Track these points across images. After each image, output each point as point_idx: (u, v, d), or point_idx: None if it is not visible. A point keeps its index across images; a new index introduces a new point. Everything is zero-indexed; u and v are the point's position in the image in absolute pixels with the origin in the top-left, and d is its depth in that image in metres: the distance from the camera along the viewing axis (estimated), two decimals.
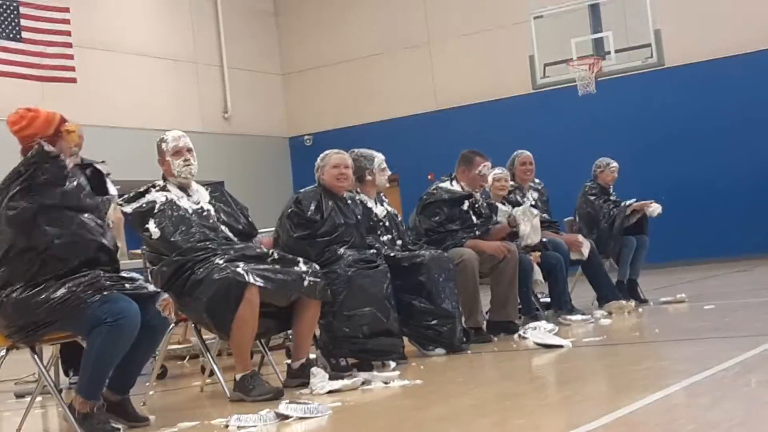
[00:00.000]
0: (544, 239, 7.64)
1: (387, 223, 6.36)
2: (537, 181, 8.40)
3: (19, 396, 5.96)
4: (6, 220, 4.13)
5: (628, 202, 8.67)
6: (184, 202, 5.17)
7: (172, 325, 4.80)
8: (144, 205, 5.11)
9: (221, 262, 4.88)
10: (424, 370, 5.46)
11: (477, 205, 7.05)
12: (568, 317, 7.33)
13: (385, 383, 4.94)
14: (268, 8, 18.62)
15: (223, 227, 5.21)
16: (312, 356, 5.36)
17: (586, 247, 7.93)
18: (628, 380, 4.58)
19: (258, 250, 5.11)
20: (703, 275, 11.95)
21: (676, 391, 4.03)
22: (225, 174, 15.59)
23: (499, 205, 7.55)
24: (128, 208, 5.11)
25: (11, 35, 13.35)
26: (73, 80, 13.77)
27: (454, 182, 7.06)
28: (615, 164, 8.89)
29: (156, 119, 14.97)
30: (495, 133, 14.98)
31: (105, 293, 4.06)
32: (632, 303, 8.05)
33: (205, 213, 5.20)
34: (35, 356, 4.28)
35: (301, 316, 5.16)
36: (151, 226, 5.04)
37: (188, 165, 5.21)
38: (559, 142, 15.29)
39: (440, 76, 17.13)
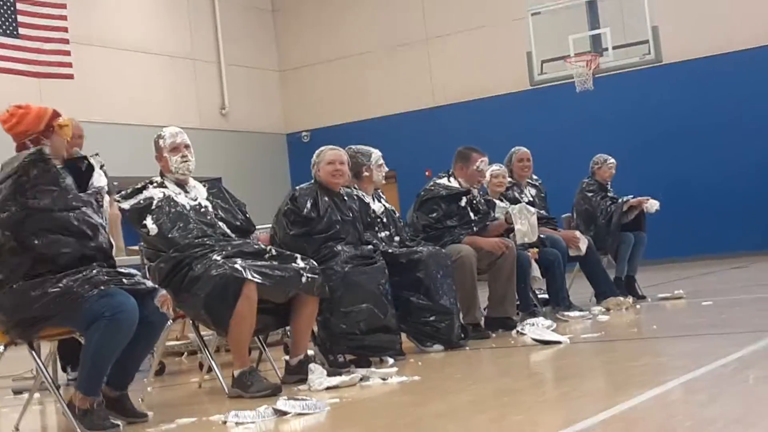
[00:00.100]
0: (542, 236, 7.64)
1: (384, 220, 6.37)
2: (535, 177, 8.41)
3: (17, 392, 5.96)
4: None
5: (625, 198, 8.68)
6: (182, 199, 5.17)
7: (170, 321, 4.79)
8: (141, 202, 5.10)
9: (219, 258, 4.88)
10: (422, 367, 5.46)
11: (475, 202, 7.05)
12: (566, 313, 7.33)
13: (383, 379, 4.94)
14: (266, 5, 18.60)
15: (220, 223, 5.21)
16: (310, 352, 5.36)
17: (583, 243, 7.93)
18: (626, 376, 4.58)
19: (256, 247, 5.11)
20: (700, 272, 11.96)
21: (674, 387, 4.04)
22: (222, 170, 15.59)
23: (497, 202, 7.56)
24: (126, 205, 5.11)
25: (8, 31, 13.33)
26: (70, 76, 13.75)
27: (451, 179, 7.06)
28: (612, 161, 8.89)
29: (153, 116, 14.95)
30: (492, 129, 14.98)
31: (102, 288, 4.06)
32: (630, 299, 8.05)
33: (202, 209, 5.20)
34: (33, 352, 4.27)
35: (299, 312, 5.16)
36: (149, 222, 5.04)
37: (186, 161, 5.21)
38: (556, 139, 15.29)
39: (438, 73, 17.12)
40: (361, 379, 4.96)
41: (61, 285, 4.07)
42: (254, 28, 18.23)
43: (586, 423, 3.41)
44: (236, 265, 4.81)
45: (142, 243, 5.26)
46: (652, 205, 8.63)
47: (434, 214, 6.88)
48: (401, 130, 16.87)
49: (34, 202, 4.10)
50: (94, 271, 4.12)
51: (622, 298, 7.89)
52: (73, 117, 6.07)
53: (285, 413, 4.17)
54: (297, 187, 5.92)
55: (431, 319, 6.02)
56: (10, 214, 4.10)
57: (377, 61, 17.63)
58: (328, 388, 4.81)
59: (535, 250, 7.40)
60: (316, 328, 5.56)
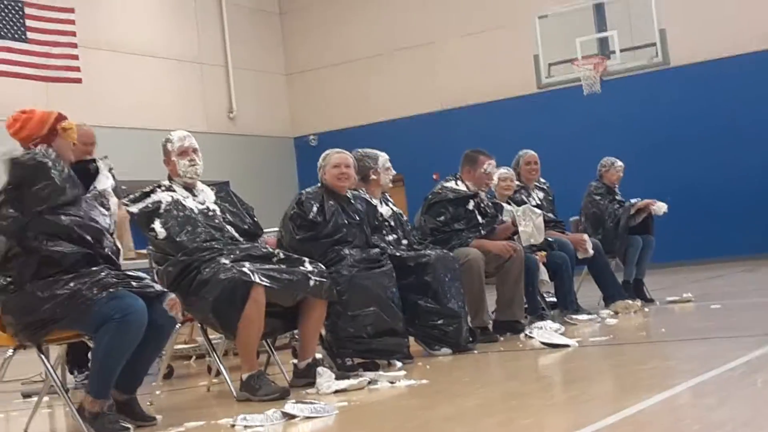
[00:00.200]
0: (550, 239, 7.64)
1: (392, 223, 6.37)
2: (542, 180, 8.40)
3: (26, 396, 5.97)
4: None
5: (632, 201, 8.67)
6: (190, 202, 5.18)
7: (179, 324, 4.80)
8: (150, 205, 5.11)
9: (227, 262, 4.88)
10: (430, 370, 5.46)
11: (482, 205, 7.05)
12: (574, 317, 7.33)
13: (392, 383, 4.94)
14: (273, 8, 18.64)
15: (228, 227, 5.22)
16: (318, 356, 5.36)
17: (589, 245, 7.92)
18: (634, 380, 4.57)
19: (264, 250, 5.12)
20: (709, 275, 11.94)
21: (682, 390, 4.03)
22: (230, 174, 15.57)
23: (505, 205, 7.55)
24: (134, 208, 5.12)
25: (16, 35, 13.37)
26: (78, 80, 13.79)
27: (459, 182, 7.06)
28: (620, 164, 8.88)
29: (161, 119, 14.99)
30: (500, 132, 14.98)
31: (111, 290, 4.07)
32: (638, 302, 8.04)
33: (210, 213, 5.21)
34: (42, 356, 4.28)
35: (307, 315, 5.16)
36: (157, 226, 5.05)
37: (194, 165, 5.22)
38: (564, 142, 15.28)
39: (444, 76, 17.12)
40: (369, 383, 4.96)
41: (69, 287, 4.08)
42: (261, 31, 18.26)
43: (594, 426, 3.40)
44: (244, 269, 4.81)
45: (151, 247, 5.27)
46: (660, 207, 8.62)
47: (442, 218, 6.88)
48: (409, 133, 16.88)
49: (33, 205, 4.11)
50: (103, 274, 4.13)
51: (630, 302, 7.88)
52: (85, 123, 6.11)
53: (293, 417, 4.17)
54: (303, 191, 5.92)
55: (439, 322, 6.02)
56: (12, 220, 4.12)
57: (385, 64, 17.65)
58: (336, 392, 4.81)
59: (543, 253, 7.39)
60: (324, 332, 5.57)
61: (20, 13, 13.48)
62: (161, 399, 5.35)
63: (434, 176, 13.69)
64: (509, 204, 7.69)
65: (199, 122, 16.24)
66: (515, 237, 7.12)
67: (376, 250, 5.89)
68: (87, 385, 4.26)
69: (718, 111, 14.89)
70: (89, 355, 6.26)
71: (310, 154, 15.92)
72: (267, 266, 4.93)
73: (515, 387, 4.80)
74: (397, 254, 6.07)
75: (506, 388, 4.84)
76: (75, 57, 13.82)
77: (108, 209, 4.41)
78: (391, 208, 6.45)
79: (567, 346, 5.89)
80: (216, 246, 5.01)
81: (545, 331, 6.37)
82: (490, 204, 7.18)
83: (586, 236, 8.09)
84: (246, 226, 5.31)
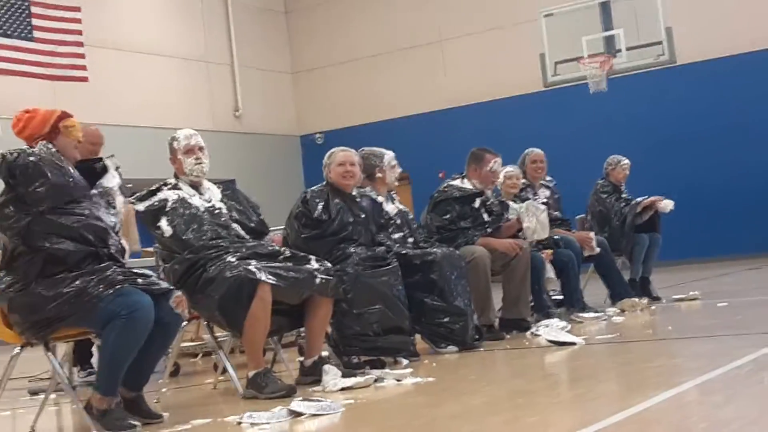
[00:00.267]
0: (556, 237, 7.64)
1: (398, 221, 6.37)
2: (549, 178, 8.39)
3: (33, 393, 5.98)
4: (0, 228, 4.18)
5: (639, 199, 8.66)
6: (196, 200, 5.18)
7: (185, 322, 4.80)
8: (156, 203, 5.12)
9: (233, 259, 4.89)
10: (436, 368, 5.46)
11: (488, 203, 7.05)
12: (581, 315, 7.32)
13: (398, 380, 4.94)
14: (279, 7, 18.65)
15: (234, 225, 5.22)
16: (324, 354, 5.37)
17: (595, 242, 7.92)
18: (641, 378, 4.57)
19: (270, 248, 5.12)
20: (715, 273, 11.92)
21: (689, 388, 4.02)
22: (236, 172, 15.63)
23: (510, 203, 7.55)
24: (140, 207, 5.13)
25: (23, 35, 13.40)
26: (85, 79, 13.81)
27: (465, 180, 7.06)
28: (626, 162, 8.87)
29: (167, 118, 15.01)
30: (506, 131, 14.97)
31: (118, 287, 4.08)
32: (645, 300, 8.04)
33: (216, 211, 5.21)
34: (49, 353, 4.29)
35: (313, 313, 5.16)
36: (163, 224, 5.05)
37: (200, 163, 5.22)
38: (570, 140, 15.26)
39: (451, 75, 17.12)
40: (375, 380, 4.96)
41: (75, 286, 4.09)
42: (267, 30, 18.27)
43: (600, 424, 3.40)
44: (250, 267, 4.82)
45: (157, 245, 5.28)
46: (666, 204, 8.61)
47: (448, 216, 6.87)
48: (415, 131, 16.88)
49: (34, 202, 4.11)
50: (109, 271, 4.14)
51: (636, 300, 7.88)
52: (92, 124, 6.12)
53: (300, 414, 4.17)
54: (308, 190, 5.92)
55: (445, 320, 6.02)
56: (14, 219, 4.12)
57: (391, 62, 17.65)
58: (342, 389, 4.81)
59: (550, 251, 7.40)
60: (330, 329, 5.57)
61: (27, 12, 13.50)
62: (168, 396, 5.35)
63: (440, 174, 13.67)
64: (515, 202, 7.69)
65: (205, 121, 16.25)
66: (518, 233, 7.12)
67: (382, 248, 5.89)
68: (95, 383, 4.26)
69: (725, 109, 14.86)
70: (93, 349, 6.31)
71: (316, 152, 15.87)
72: (273, 264, 4.93)
73: (521, 385, 4.80)
74: (403, 252, 6.07)
75: (512, 386, 4.84)
76: (81, 56, 13.84)
77: (114, 208, 4.41)
78: (397, 206, 6.46)
79: (573, 344, 5.88)
80: (222, 244, 5.02)
81: (551, 329, 6.37)
82: (496, 202, 7.18)
83: (592, 234, 8.09)
84: (252, 224, 5.32)
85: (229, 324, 4.94)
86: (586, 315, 7.32)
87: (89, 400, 4.19)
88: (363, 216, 5.92)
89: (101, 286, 4.07)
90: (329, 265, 5.20)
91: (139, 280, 4.16)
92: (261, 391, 4.78)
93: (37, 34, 13.52)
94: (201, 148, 5.25)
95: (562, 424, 3.71)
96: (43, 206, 4.13)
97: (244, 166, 16.56)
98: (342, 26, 18.08)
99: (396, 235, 6.27)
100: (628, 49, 13.13)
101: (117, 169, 4.51)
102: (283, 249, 5.18)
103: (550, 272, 7.29)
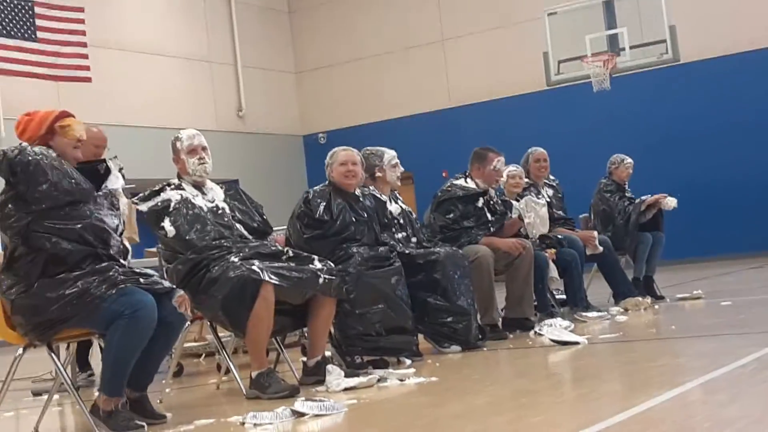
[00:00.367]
0: (560, 236, 7.63)
1: (401, 221, 6.36)
2: (552, 177, 8.39)
3: (36, 394, 5.99)
4: (1, 228, 4.18)
5: (642, 198, 8.65)
6: (199, 201, 5.18)
7: (189, 322, 4.80)
8: (159, 204, 5.12)
9: (236, 260, 4.89)
10: (439, 368, 5.46)
11: (492, 202, 7.05)
12: (584, 314, 7.31)
13: (401, 380, 4.94)
14: (282, 6, 18.65)
15: (238, 225, 5.22)
16: (327, 354, 5.37)
17: (598, 242, 7.91)
18: (645, 377, 4.56)
19: (273, 248, 5.12)
20: (718, 272, 11.90)
21: (693, 388, 4.02)
22: (239, 172, 15.65)
23: (514, 203, 7.54)
24: (143, 207, 5.13)
25: (26, 35, 13.41)
26: (88, 80, 13.83)
27: (468, 179, 7.06)
28: (630, 161, 8.86)
29: (170, 118, 15.02)
30: (509, 130, 14.97)
31: (120, 287, 4.08)
32: (648, 300, 8.02)
33: (220, 211, 5.21)
34: (52, 354, 4.29)
35: (316, 313, 5.16)
36: (167, 224, 5.05)
37: (203, 163, 5.22)
38: (573, 139, 15.26)
39: (454, 74, 17.12)
40: (378, 380, 4.96)
41: (77, 287, 4.09)
42: (270, 29, 18.28)
43: (604, 424, 3.40)
44: (254, 267, 4.82)
45: (160, 245, 5.28)
46: (670, 202, 8.60)
47: (451, 215, 6.87)
48: (418, 131, 16.88)
49: (35, 200, 4.11)
50: (111, 271, 4.14)
51: (640, 299, 7.87)
52: (95, 124, 6.11)
53: (303, 414, 4.17)
54: (310, 189, 5.92)
55: (449, 319, 6.02)
56: (14, 219, 4.12)
57: (393, 62, 17.65)
58: (345, 389, 4.81)
59: (553, 250, 7.39)
60: (332, 329, 5.57)
61: (30, 12, 13.52)
62: (171, 397, 5.36)
63: (443, 174, 13.68)
64: (518, 201, 7.68)
65: (208, 120, 16.27)
66: (520, 231, 7.12)
67: (385, 247, 5.89)
68: (99, 384, 4.26)
69: (729, 107, 14.84)
70: (90, 351, 6.32)
71: (320, 152, 15.89)
72: (276, 264, 4.93)
73: (525, 384, 4.79)
74: (407, 252, 6.07)
75: (516, 385, 4.83)
76: (85, 56, 13.86)
77: (117, 209, 4.41)
78: (401, 206, 6.45)
79: (576, 343, 5.88)
80: (225, 244, 5.02)
81: (555, 328, 6.36)
82: (499, 201, 7.17)
83: (595, 233, 8.08)
84: (255, 224, 5.32)
85: (232, 324, 4.94)
86: (589, 314, 7.31)
87: (95, 402, 4.19)
88: (366, 215, 5.92)
89: (103, 286, 4.08)
90: (332, 265, 5.20)
91: (141, 280, 4.16)
92: (264, 391, 4.78)
93: (40, 34, 13.54)
94: (204, 148, 5.25)
95: (565, 423, 3.70)
96: (44, 205, 4.12)
97: (248, 165, 16.58)
98: (345, 26, 18.08)
99: (399, 235, 6.26)
100: (631, 47, 13.11)
101: (120, 170, 4.51)
102: (286, 249, 5.18)
103: (553, 271, 7.29)
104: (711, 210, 14.75)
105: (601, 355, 5.67)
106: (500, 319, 6.81)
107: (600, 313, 7.34)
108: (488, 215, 6.97)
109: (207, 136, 5.42)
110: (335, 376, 4.94)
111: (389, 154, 6.36)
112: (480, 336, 6.16)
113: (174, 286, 4.33)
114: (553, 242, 7.50)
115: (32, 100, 11.00)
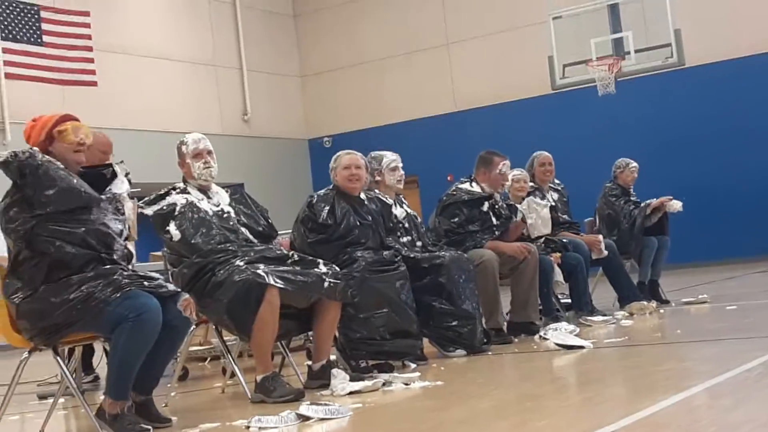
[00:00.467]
0: (565, 240, 7.63)
1: (406, 225, 6.37)
2: (557, 182, 8.39)
3: (42, 397, 6.00)
4: (5, 231, 4.19)
5: (647, 202, 8.65)
6: (205, 205, 5.19)
7: (194, 325, 4.81)
8: (164, 208, 5.13)
9: (242, 263, 4.89)
10: (444, 372, 5.46)
11: (497, 206, 7.04)
12: (589, 318, 7.31)
13: (406, 384, 4.94)
14: (287, 10, 18.67)
15: (243, 229, 5.23)
16: (333, 357, 5.36)
17: (603, 245, 7.92)
18: (650, 381, 4.56)
19: (278, 252, 5.13)
20: (724, 276, 11.89)
21: (698, 392, 4.01)
22: (244, 176, 15.68)
23: (518, 206, 7.54)
24: (149, 211, 5.14)
25: (32, 39, 13.46)
26: (94, 84, 13.87)
27: (473, 183, 7.06)
28: (635, 164, 8.86)
29: (176, 122, 15.04)
30: (514, 134, 14.97)
31: (125, 290, 4.08)
32: (653, 304, 8.02)
33: (225, 215, 5.22)
34: (58, 358, 4.30)
35: (321, 317, 5.17)
36: (172, 228, 5.06)
37: (208, 167, 5.23)
38: (578, 143, 15.25)
39: (459, 78, 17.12)
40: (383, 384, 4.96)
41: (82, 291, 4.09)
42: (275, 33, 18.30)
43: (609, 428, 3.39)
44: (259, 271, 4.82)
45: (166, 249, 5.29)
46: (675, 204, 8.59)
47: (456, 219, 6.87)
48: (423, 135, 16.89)
49: (41, 205, 4.12)
50: (115, 275, 4.14)
51: (645, 303, 7.86)
52: (101, 128, 6.13)
53: (308, 418, 4.17)
54: (314, 194, 5.93)
55: (453, 324, 6.02)
56: (19, 222, 4.13)
57: (399, 65, 17.66)
58: (350, 393, 4.81)
59: (558, 254, 7.39)
60: (337, 333, 5.57)
61: (36, 17, 13.56)
62: (176, 400, 5.36)
63: (448, 178, 13.69)
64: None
65: (213, 124, 16.29)
66: (524, 234, 7.13)
67: (390, 251, 5.89)
68: (105, 388, 4.26)
69: (733, 111, 14.82)
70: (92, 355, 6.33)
71: (325, 155, 15.81)
72: (281, 268, 4.94)
73: (530, 389, 4.79)
74: (412, 256, 6.07)
75: (521, 389, 4.83)
76: (90, 60, 13.90)
77: (122, 214, 4.42)
78: (406, 210, 6.45)
79: (582, 347, 5.87)
80: (230, 248, 5.02)
81: (560, 332, 6.36)
82: (504, 205, 7.17)
83: (600, 237, 8.08)
84: (260, 228, 5.32)
85: (237, 328, 4.94)
86: (594, 318, 7.30)
87: (100, 405, 4.20)
88: (370, 219, 5.92)
89: (108, 290, 4.08)
90: (337, 268, 5.20)
91: (146, 283, 4.17)
92: (269, 395, 4.78)
93: (46, 38, 13.59)
94: (209, 152, 5.26)
95: (570, 428, 3.70)
96: (49, 210, 4.13)
97: (253, 169, 16.59)
98: (350, 30, 18.09)
99: (404, 239, 6.26)
100: (636, 51, 13.11)
101: (127, 175, 4.52)
102: (291, 253, 5.18)
103: (558, 275, 7.29)
104: (716, 214, 14.73)
105: (606, 360, 5.66)
106: (505, 323, 6.81)
107: (605, 318, 7.33)
108: (493, 219, 6.97)
109: (212, 140, 5.43)
110: (340, 380, 4.94)
111: (388, 158, 6.36)
112: (485, 340, 6.16)
113: (179, 290, 4.34)
114: (558, 246, 7.50)
115: (37, 105, 11.03)
